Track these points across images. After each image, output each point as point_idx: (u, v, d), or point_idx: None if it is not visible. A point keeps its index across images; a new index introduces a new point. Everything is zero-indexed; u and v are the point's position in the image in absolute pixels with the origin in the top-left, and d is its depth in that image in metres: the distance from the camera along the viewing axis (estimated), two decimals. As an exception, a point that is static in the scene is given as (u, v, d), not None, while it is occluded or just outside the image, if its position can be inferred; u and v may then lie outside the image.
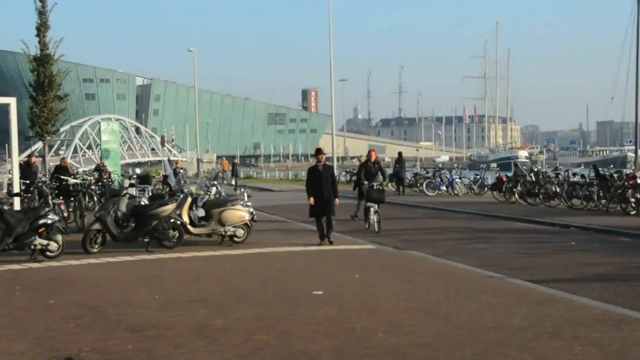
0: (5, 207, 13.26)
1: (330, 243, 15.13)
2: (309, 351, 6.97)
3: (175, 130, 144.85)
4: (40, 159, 36.50)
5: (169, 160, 39.23)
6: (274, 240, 15.93)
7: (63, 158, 26.84)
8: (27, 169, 21.56)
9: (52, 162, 30.79)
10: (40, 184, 19.00)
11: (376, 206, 18.31)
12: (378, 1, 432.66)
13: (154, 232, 14.25)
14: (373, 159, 19.52)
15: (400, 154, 35.25)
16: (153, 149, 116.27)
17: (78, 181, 21.43)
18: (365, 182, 18.89)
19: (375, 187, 18.44)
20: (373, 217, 18.29)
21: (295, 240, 16.03)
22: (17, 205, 15.72)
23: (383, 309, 8.86)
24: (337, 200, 15.59)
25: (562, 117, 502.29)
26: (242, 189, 19.66)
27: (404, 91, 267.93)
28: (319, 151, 16.08)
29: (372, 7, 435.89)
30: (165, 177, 22.46)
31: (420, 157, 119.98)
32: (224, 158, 37.66)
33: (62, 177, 21.12)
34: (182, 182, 18.44)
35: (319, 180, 15.33)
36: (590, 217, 20.68)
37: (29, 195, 18.65)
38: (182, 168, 27.92)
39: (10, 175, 20.09)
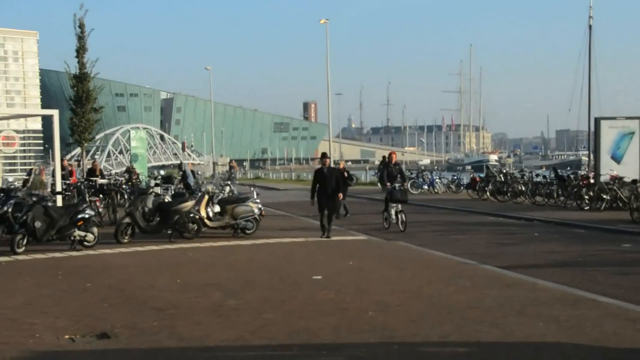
0: (50, 204, 13.25)
1: (328, 237, 14.80)
2: (309, 328, 6.97)
3: (194, 137, 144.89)
4: (76, 162, 36.47)
5: (181, 163, 39.00)
6: (279, 233, 15.87)
7: (94, 162, 26.79)
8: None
9: (88, 165, 30.69)
10: (79, 184, 18.91)
11: (399, 206, 16.71)
12: (369, 26, 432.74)
13: (176, 225, 14.25)
14: (393, 161, 17.71)
15: (384, 157, 35.05)
16: (175, 154, 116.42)
17: (106, 181, 21.36)
18: (388, 183, 17.19)
19: (397, 188, 16.85)
20: (398, 217, 16.63)
21: (298, 233, 15.97)
22: (59, 202, 15.69)
23: (374, 291, 8.85)
24: (340, 195, 15.44)
25: (526, 126, 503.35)
26: (252, 188, 19.62)
27: (391, 103, 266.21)
28: (324, 155, 15.81)
29: (363, 30, 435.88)
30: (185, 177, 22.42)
31: (405, 161, 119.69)
32: (233, 161, 37.50)
33: (92, 178, 21.11)
34: (200, 182, 18.46)
35: (324, 181, 15.06)
36: (551, 212, 20.67)
37: (69, 193, 18.64)
38: (191, 170, 27.85)
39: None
